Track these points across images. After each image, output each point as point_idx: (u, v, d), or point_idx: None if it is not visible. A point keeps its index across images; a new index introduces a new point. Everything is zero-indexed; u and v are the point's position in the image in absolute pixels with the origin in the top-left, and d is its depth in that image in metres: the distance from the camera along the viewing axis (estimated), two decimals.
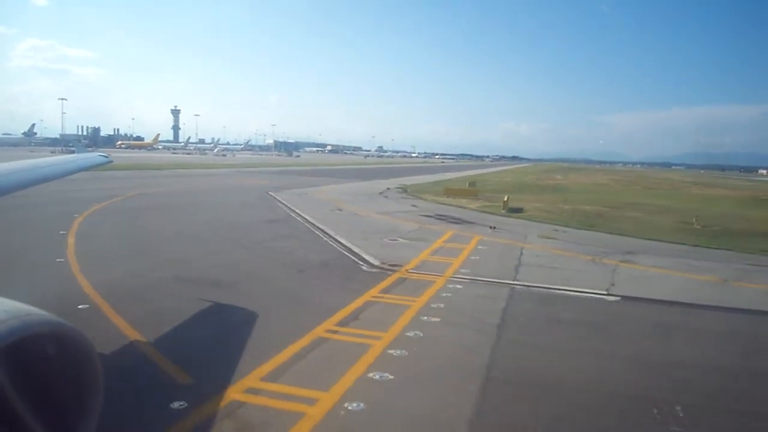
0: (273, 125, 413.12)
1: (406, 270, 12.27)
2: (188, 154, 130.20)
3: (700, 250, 17.11)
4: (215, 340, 7.60)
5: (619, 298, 10.71)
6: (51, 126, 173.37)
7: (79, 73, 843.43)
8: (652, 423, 5.62)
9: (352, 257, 13.61)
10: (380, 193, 33.20)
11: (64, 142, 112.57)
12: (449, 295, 10.28)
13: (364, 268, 12.53)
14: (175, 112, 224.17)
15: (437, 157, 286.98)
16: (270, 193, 30.74)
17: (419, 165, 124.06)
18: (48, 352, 1.27)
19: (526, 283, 11.47)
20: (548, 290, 11.08)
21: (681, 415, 5.75)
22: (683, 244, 17.94)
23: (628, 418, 5.79)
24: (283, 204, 25.28)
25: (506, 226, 20.25)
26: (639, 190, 57.61)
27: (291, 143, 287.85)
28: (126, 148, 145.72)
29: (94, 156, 10.95)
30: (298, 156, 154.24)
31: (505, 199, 26.61)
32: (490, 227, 19.18)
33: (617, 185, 66.86)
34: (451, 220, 21.25)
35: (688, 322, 9.54)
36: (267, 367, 6.49)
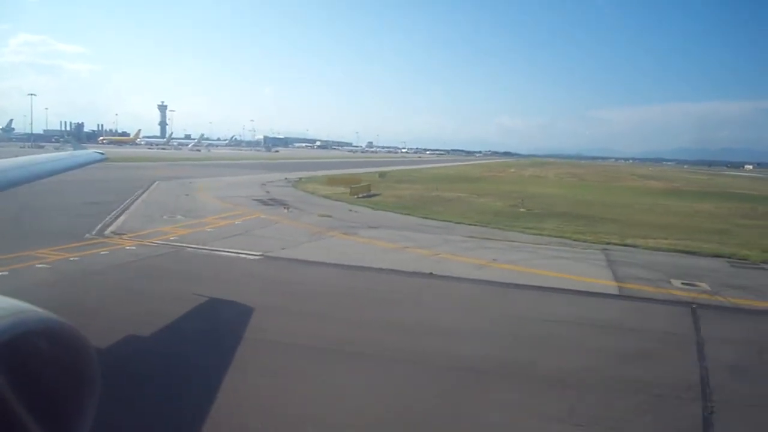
0: (252, 120, 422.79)
1: (121, 237, 14.35)
2: (163, 149, 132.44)
3: (453, 226, 19.01)
4: None
5: (261, 257, 12.72)
6: (38, 121, 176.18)
7: (71, 69, 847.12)
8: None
9: (99, 228, 15.63)
10: (264, 183, 35.09)
11: (35, 138, 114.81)
12: (106, 253, 12.37)
13: (87, 235, 14.57)
14: (162, 108, 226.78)
15: (427, 152, 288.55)
16: (158, 182, 32.76)
17: (388, 159, 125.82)
18: (44, 350, 1.27)
19: (207, 248, 13.50)
20: (213, 252, 13.11)
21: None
22: (449, 221, 19.89)
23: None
24: (148, 190, 27.31)
25: (315, 208, 22.25)
26: (570, 182, 59.46)
27: (281, 139, 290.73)
28: (108, 143, 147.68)
29: (89, 153, 11.04)
30: (276, 151, 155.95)
31: (355, 185, 28.65)
32: (285, 208, 21.21)
33: (555, 177, 68.81)
34: (269, 203, 23.27)
35: (281, 273, 11.57)
36: None
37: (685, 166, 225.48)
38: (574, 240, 17.05)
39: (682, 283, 11.77)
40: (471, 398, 5.98)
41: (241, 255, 12.80)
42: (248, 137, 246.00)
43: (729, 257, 15.16)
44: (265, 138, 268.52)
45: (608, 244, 16.55)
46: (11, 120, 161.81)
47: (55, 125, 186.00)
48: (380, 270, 11.86)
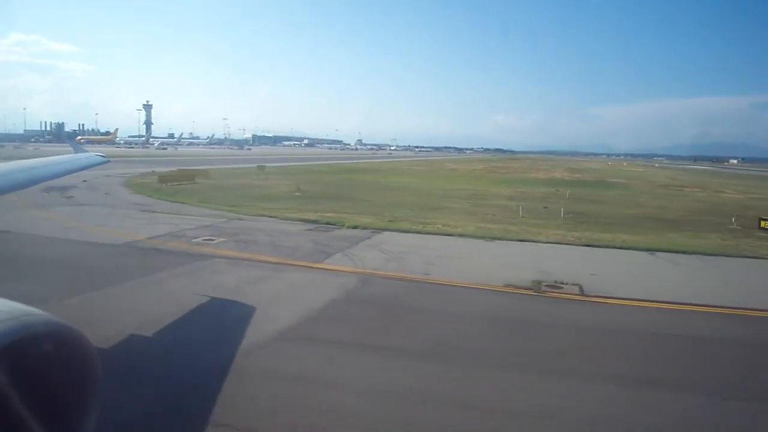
0: (225, 119, 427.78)
1: None
2: (130, 147, 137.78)
3: (171, 205, 22.42)
4: None
5: None
6: (31, 120, 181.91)
7: (65, 68, 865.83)
8: None
9: None
10: (108, 175, 37.59)
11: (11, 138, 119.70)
12: None
13: None
14: (147, 107, 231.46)
15: (416, 149, 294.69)
16: None
17: (355, 156, 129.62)
18: (47, 352, 1.29)
19: None
20: None
21: None
22: (180, 202, 23.29)
23: None
24: None
25: (87, 192, 25.76)
26: (474, 174, 62.48)
27: (269, 137, 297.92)
28: (85, 143, 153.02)
29: (90, 156, 11.20)
30: (249, 149, 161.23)
31: (166, 175, 32.26)
32: (46, 192, 24.88)
33: (465, 170, 71.88)
34: (58, 190, 26.61)
35: None
36: None
37: (665, 162, 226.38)
38: (257, 216, 19.97)
39: (203, 239, 15.10)
40: None
41: None
42: (237, 135, 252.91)
43: (334, 225, 18.35)
44: (253, 137, 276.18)
45: (272, 216, 19.74)
46: None
47: (34, 125, 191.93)
48: None
